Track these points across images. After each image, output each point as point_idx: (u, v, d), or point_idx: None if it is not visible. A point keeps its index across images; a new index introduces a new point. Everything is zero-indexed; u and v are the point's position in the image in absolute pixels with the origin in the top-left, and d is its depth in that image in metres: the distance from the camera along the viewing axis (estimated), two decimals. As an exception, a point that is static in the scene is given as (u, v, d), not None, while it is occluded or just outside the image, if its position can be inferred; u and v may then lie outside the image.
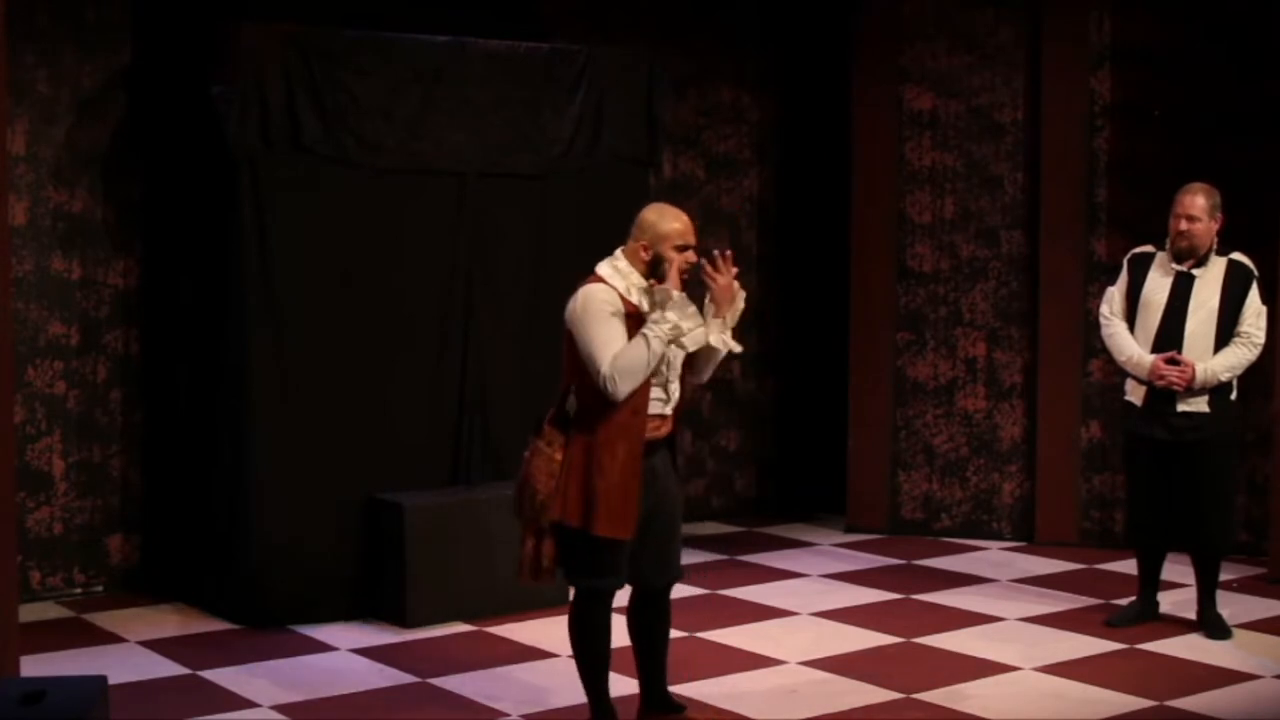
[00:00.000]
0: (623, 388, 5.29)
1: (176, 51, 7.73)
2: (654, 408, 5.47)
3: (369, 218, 7.44)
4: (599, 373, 5.30)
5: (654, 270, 5.45)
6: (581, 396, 5.42)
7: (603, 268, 5.48)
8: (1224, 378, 6.91)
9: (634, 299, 5.42)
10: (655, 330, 5.32)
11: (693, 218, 5.63)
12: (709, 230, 9.67)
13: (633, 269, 5.45)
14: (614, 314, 5.34)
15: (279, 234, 7.22)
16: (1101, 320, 7.22)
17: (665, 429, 5.56)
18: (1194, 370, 6.85)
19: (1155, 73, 8.86)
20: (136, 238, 7.91)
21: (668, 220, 5.47)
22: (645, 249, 5.44)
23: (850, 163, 9.45)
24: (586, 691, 5.66)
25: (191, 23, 7.66)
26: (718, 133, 9.83)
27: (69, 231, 7.73)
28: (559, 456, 5.40)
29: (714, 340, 5.50)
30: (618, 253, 5.51)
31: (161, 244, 7.87)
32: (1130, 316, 7.09)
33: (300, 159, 7.24)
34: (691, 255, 5.47)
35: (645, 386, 5.40)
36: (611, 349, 5.29)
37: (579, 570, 5.50)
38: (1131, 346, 7.05)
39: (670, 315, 5.34)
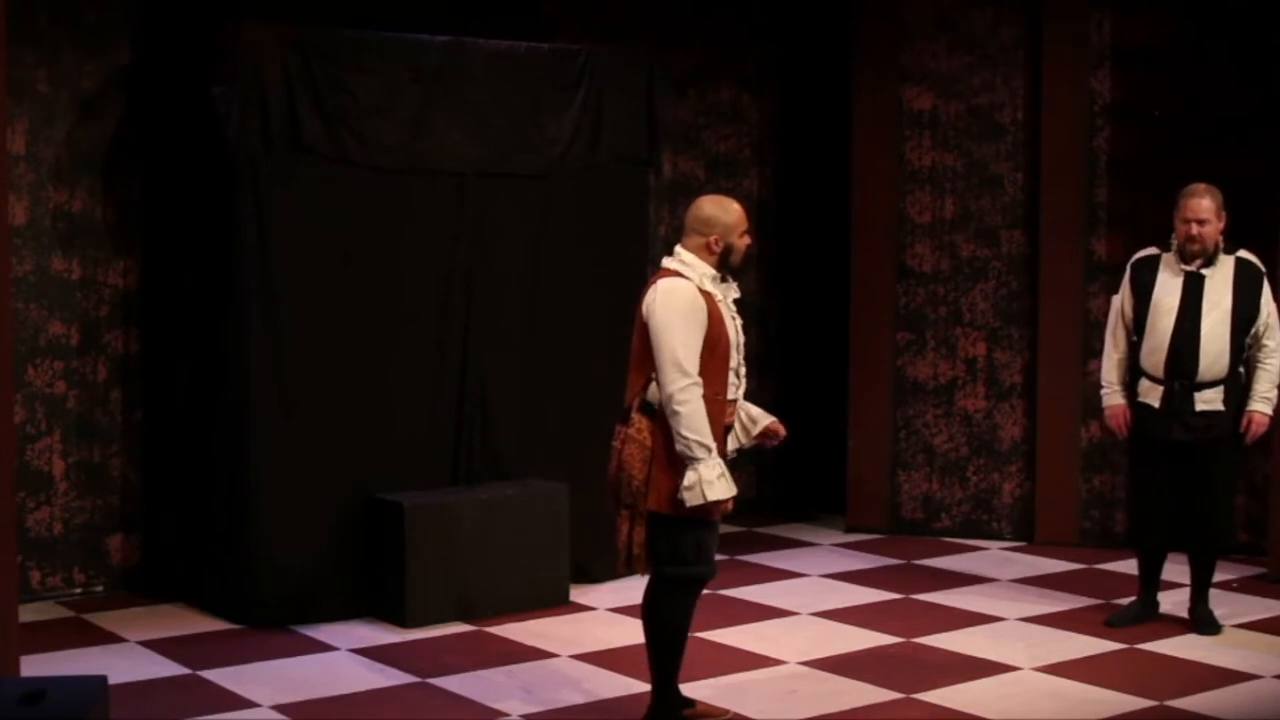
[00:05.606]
0: (676, 409, 5.37)
1: (176, 51, 7.73)
2: (728, 393, 5.60)
3: (369, 218, 7.44)
4: (667, 377, 5.38)
5: (724, 260, 5.61)
6: None
7: (671, 263, 5.60)
8: (1275, 395, 6.99)
9: (707, 287, 5.55)
10: (698, 465, 5.40)
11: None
12: (709, 230, 9.66)
13: (700, 261, 5.58)
14: (697, 313, 5.44)
15: (279, 234, 7.22)
16: (1106, 333, 7.28)
17: (735, 416, 5.71)
18: (1261, 415, 6.94)
19: (1155, 73, 8.85)
20: (136, 238, 7.90)
21: (730, 211, 5.65)
22: (717, 241, 5.59)
23: (850, 163, 9.44)
24: (656, 681, 5.70)
25: (191, 23, 7.66)
26: (718, 133, 9.83)
27: (69, 231, 7.73)
28: (650, 444, 5.49)
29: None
30: (678, 250, 5.63)
31: (161, 244, 7.87)
32: (1140, 322, 7.07)
33: (300, 159, 7.24)
34: (749, 238, 5.72)
35: (724, 372, 5.55)
36: (690, 362, 5.39)
37: (671, 557, 5.55)
38: (1109, 375, 7.17)
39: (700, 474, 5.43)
